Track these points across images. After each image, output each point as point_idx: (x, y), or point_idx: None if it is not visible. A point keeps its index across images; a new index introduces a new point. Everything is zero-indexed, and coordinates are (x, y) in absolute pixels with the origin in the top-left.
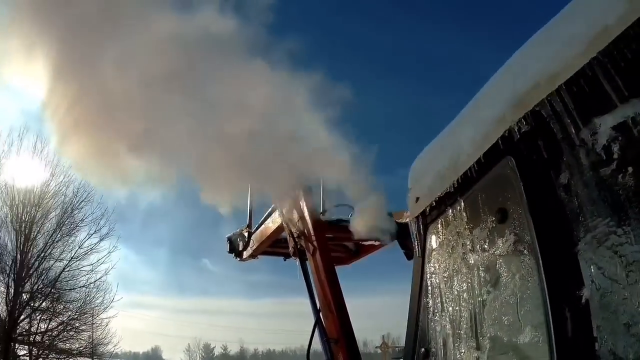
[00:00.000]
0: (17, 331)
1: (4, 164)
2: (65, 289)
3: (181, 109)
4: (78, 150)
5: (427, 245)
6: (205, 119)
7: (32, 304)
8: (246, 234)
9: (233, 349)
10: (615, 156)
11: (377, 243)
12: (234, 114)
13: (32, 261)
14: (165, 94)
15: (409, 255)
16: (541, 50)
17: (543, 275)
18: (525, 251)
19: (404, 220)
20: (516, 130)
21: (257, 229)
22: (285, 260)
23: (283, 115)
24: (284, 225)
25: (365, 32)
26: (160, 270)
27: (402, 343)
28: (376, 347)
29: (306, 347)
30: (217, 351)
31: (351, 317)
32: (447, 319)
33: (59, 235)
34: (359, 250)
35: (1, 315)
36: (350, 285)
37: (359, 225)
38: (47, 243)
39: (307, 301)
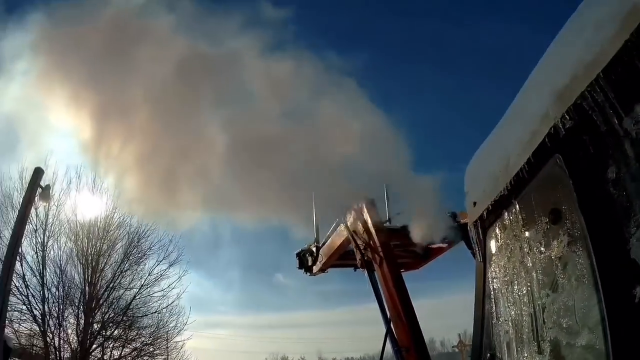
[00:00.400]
0: None
1: (64, 201)
2: (137, 316)
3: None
4: (136, 184)
5: (487, 250)
6: (270, 141)
7: (103, 333)
8: (314, 249)
9: None
10: None
11: (444, 245)
12: (302, 136)
13: (102, 292)
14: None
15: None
16: (575, 37)
17: (597, 275)
18: (579, 251)
19: (465, 221)
20: (561, 126)
21: (324, 243)
22: (355, 270)
23: (345, 131)
24: (350, 237)
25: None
26: (234, 289)
27: None
28: (453, 347)
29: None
30: None
31: (426, 317)
32: (510, 323)
33: (127, 265)
34: (428, 253)
35: (72, 346)
36: (422, 287)
37: (418, 230)
38: (116, 273)
39: (375, 305)
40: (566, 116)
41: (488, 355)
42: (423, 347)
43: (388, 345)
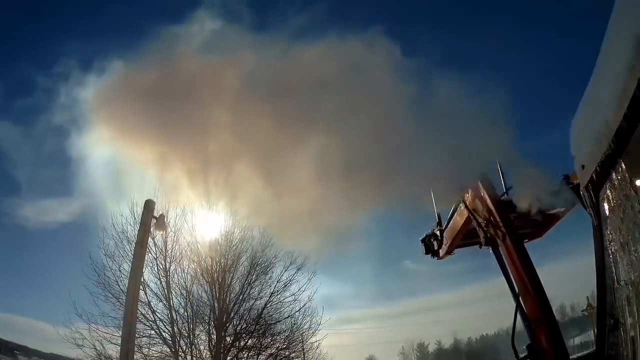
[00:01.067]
0: None
1: (181, 226)
2: (270, 323)
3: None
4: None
5: (601, 212)
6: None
7: (237, 345)
8: (438, 233)
9: (447, 342)
10: None
11: (562, 209)
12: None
13: (231, 306)
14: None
15: None
16: None
17: None
18: None
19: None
20: None
21: (447, 225)
22: (480, 248)
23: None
24: (471, 216)
25: None
26: (365, 282)
27: None
28: (582, 311)
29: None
30: (432, 348)
31: (555, 282)
32: (630, 287)
33: (254, 277)
34: (549, 220)
35: None
36: (546, 253)
37: (534, 198)
38: (244, 285)
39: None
40: None
41: (611, 321)
42: (552, 319)
43: (519, 320)
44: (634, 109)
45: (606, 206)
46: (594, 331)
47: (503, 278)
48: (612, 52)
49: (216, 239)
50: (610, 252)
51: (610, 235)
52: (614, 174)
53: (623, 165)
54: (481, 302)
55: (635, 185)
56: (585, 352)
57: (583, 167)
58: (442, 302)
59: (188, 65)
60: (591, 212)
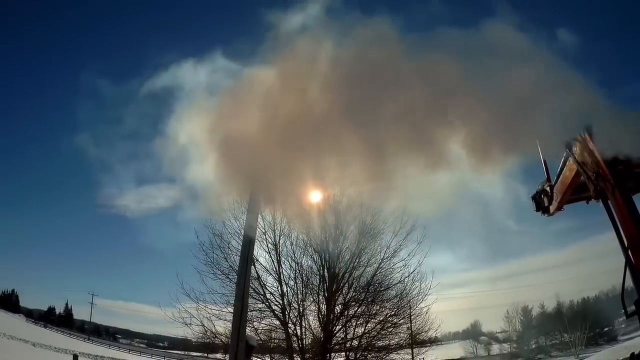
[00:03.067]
0: (333, 342)
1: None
2: (380, 290)
3: None
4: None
5: None
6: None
7: (346, 313)
8: (548, 188)
9: (550, 305)
10: None
11: None
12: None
13: (341, 274)
14: None
15: None
16: None
17: None
18: None
19: None
20: None
21: (556, 180)
22: (587, 203)
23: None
24: (580, 170)
25: None
26: (471, 245)
27: None
28: None
29: (618, 287)
30: (535, 311)
31: None
32: None
33: (363, 244)
34: None
35: (315, 331)
36: None
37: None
38: (354, 254)
39: (610, 237)
40: None
41: None
42: None
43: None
44: None
45: None
46: None
47: (603, 236)
48: None
49: (325, 208)
50: None
51: None
52: None
53: None
54: (582, 263)
55: None
56: None
57: None
58: (544, 263)
59: None
60: None
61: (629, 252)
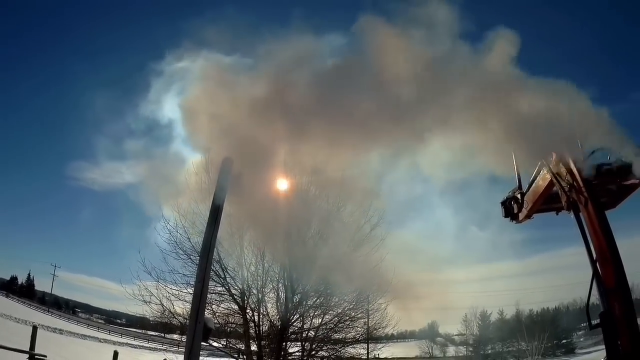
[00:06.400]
0: (290, 330)
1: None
2: (339, 283)
3: None
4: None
5: None
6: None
7: (304, 303)
8: (519, 196)
9: (509, 313)
10: None
11: (638, 181)
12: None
13: (301, 263)
14: None
15: None
16: None
17: None
18: None
19: None
20: None
21: (528, 189)
22: (557, 214)
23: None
24: (554, 180)
25: None
26: (432, 247)
27: None
28: None
29: (584, 300)
30: (494, 317)
31: (628, 258)
32: None
33: (326, 235)
34: (622, 191)
35: (272, 319)
36: (616, 227)
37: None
38: (317, 244)
39: (574, 251)
40: None
41: None
42: (627, 289)
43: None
44: None
45: None
46: None
47: (566, 250)
48: None
49: (290, 197)
50: None
51: None
52: None
53: None
54: (543, 274)
55: None
56: None
57: None
58: (506, 271)
59: None
60: None
61: (597, 265)
